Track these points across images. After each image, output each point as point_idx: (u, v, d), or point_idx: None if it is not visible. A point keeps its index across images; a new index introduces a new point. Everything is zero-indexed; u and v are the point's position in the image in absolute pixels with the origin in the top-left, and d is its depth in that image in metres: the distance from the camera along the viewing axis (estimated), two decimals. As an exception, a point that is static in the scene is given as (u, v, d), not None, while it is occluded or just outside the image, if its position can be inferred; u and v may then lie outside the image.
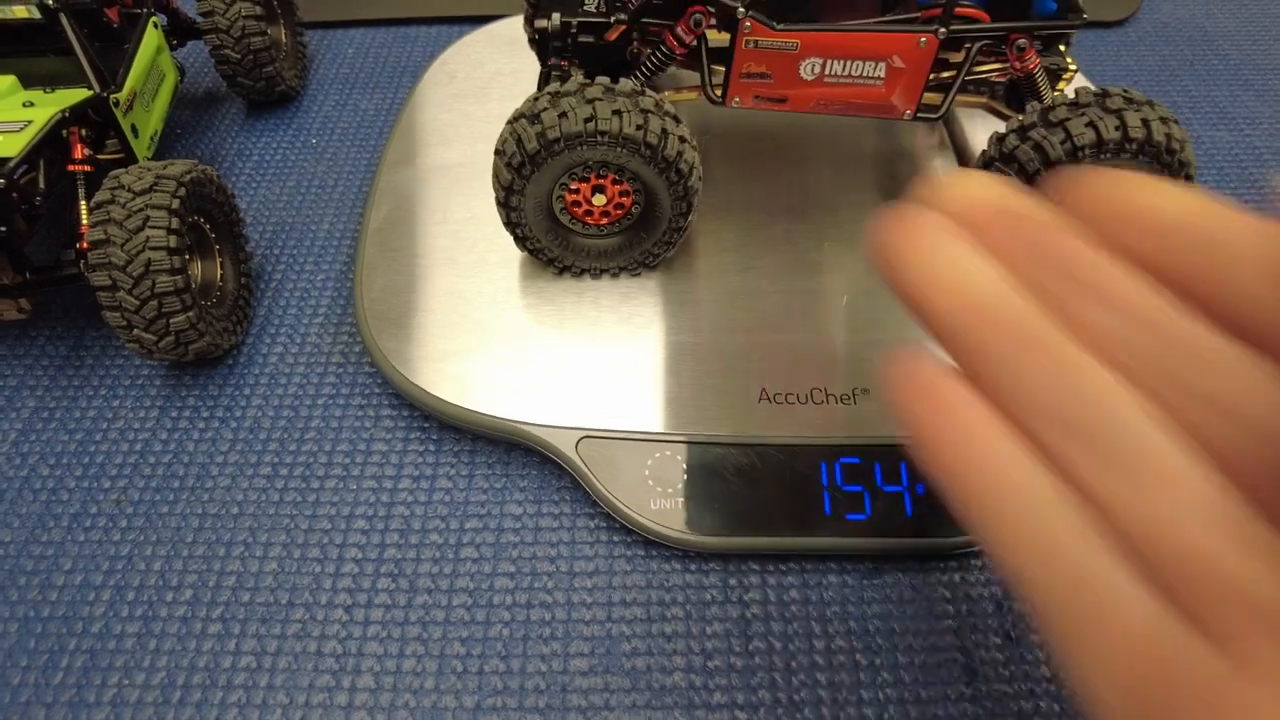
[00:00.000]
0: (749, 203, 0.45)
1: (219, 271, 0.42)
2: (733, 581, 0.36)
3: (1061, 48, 0.43)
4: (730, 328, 0.40)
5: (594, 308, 0.41)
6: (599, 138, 0.35)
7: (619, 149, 0.36)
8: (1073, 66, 0.42)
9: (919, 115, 0.40)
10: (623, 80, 0.37)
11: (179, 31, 0.50)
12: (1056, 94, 0.40)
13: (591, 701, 0.33)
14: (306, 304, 0.45)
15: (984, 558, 0.37)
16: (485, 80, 0.53)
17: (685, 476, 0.36)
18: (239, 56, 0.50)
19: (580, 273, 0.42)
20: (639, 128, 0.35)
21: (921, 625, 0.35)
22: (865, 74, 0.38)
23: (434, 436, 0.40)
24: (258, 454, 0.39)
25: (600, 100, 0.35)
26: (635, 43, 0.41)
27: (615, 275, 0.42)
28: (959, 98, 0.43)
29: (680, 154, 0.36)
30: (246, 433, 0.40)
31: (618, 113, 0.35)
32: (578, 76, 0.37)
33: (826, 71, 0.38)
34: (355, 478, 0.39)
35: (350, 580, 0.36)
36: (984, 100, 0.43)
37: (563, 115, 0.35)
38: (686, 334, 0.40)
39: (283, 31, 0.54)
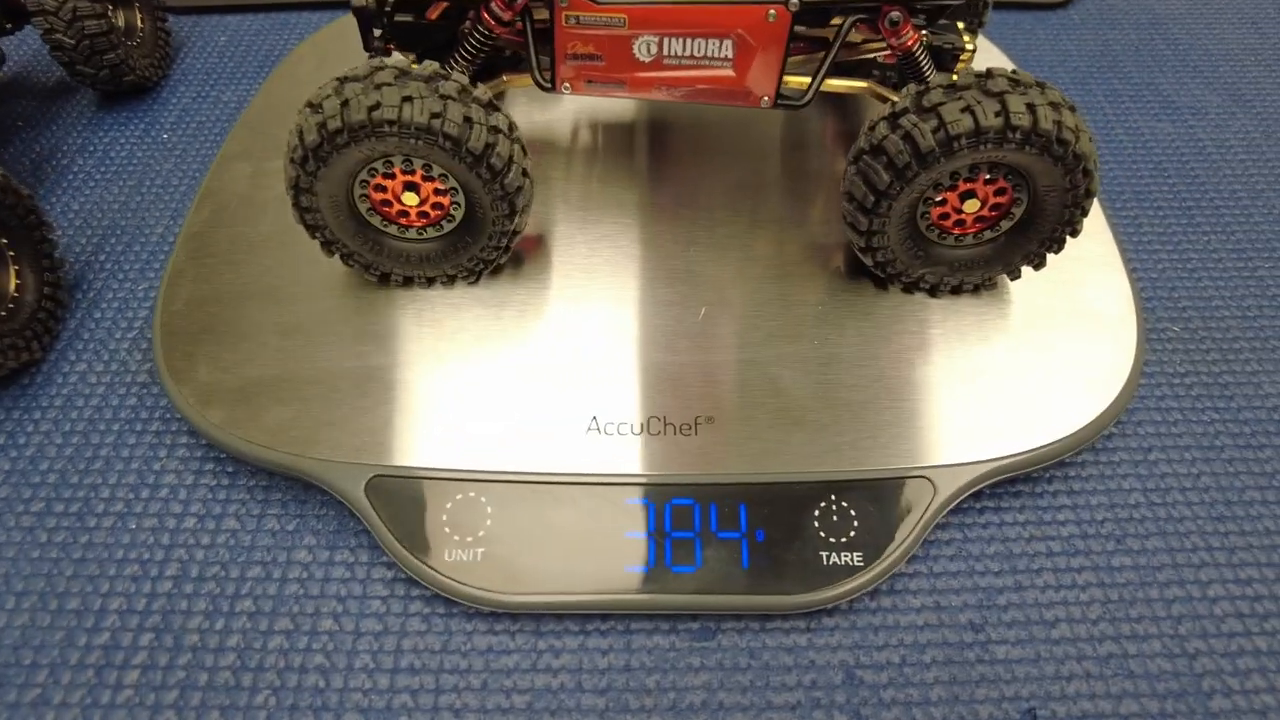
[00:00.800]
0: (612, 202, 0.40)
1: (13, 282, 0.38)
2: (541, 645, 0.31)
3: (961, 25, 0.37)
4: (568, 346, 0.35)
5: (414, 322, 0.36)
6: (386, 128, 0.30)
7: (414, 141, 0.31)
8: (970, 46, 0.36)
9: (780, 103, 0.35)
10: (427, 63, 0.32)
11: (8, 12, 0.46)
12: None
13: (353, 789, 0.28)
14: (122, 317, 0.40)
15: (834, 617, 0.31)
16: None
17: (489, 522, 0.31)
18: (73, 42, 0.45)
19: (406, 282, 0.37)
20: (435, 116, 0.30)
21: (757, 699, 0.30)
22: (710, 54, 0.33)
23: (228, 469, 0.35)
24: (32, 487, 0.35)
25: (389, 86, 0.30)
26: (469, 22, 0.36)
27: (447, 284, 0.37)
28: (841, 84, 0.38)
29: (490, 147, 0.31)
30: (26, 463, 0.36)
31: (408, 99, 0.30)
32: (388, 60, 0.32)
33: (665, 51, 0.33)
34: (135, 515, 0.34)
35: (108, 636, 0.31)
36: (866, 85, 0.37)
37: (345, 104, 0.30)
38: (515, 353, 0.35)
39: (138, 16, 0.50)
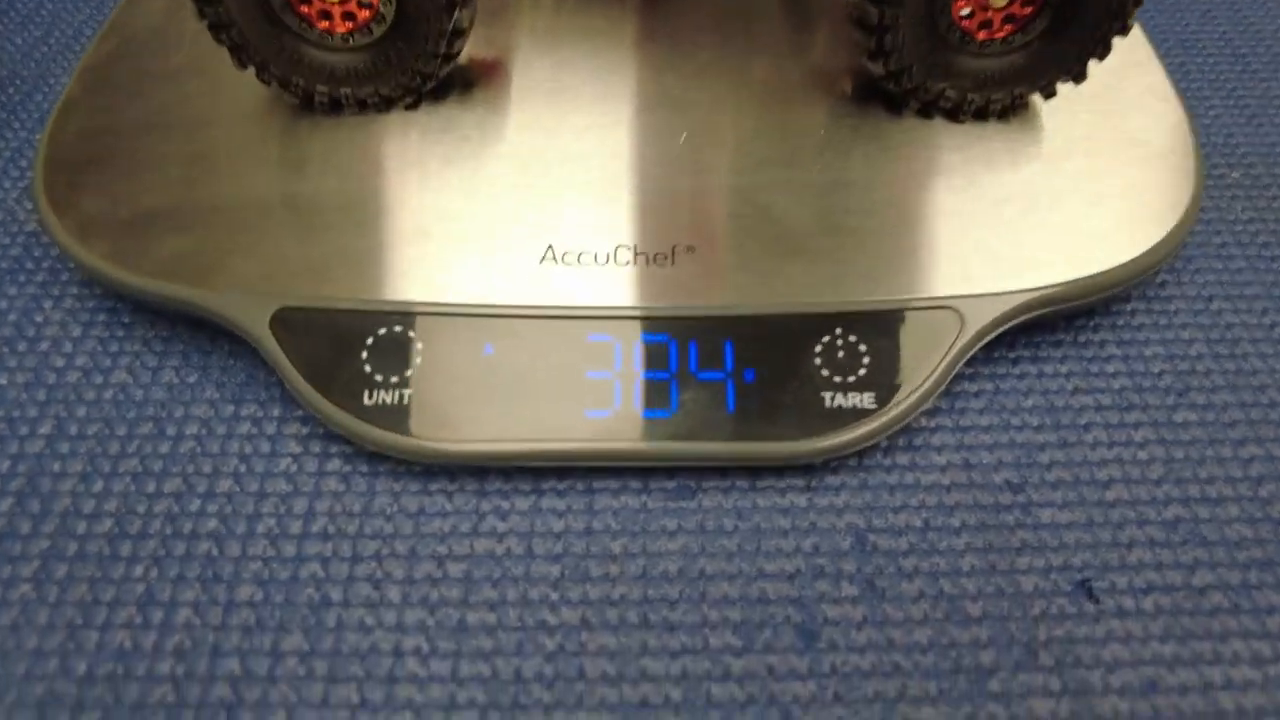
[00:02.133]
0: (581, 27, 0.34)
1: (-121, 115, 0.33)
2: (485, 506, 0.25)
3: None
4: (520, 171, 0.29)
5: (342, 147, 0.30)
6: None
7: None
8: None
9: None
10: None
11: None
12: None
13: (246, 668, 0.23)
14: (14, 166, 0.35)
15: (840, 474, 0.26)
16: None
17: (419, 359, 0.26)
18: (-30, -127, 0.40)
19: (334, 105, 0.31)
20: None
21: (745, 566, 0.24)
22: None
23: (124, 319, 0.30)
24: (-110, 342, 0.30)
25: None
26: None
27: (380, 107, 0.31)
28: None
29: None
30: (-115, 317, 0.30)
31: None
32: None
33: None
34: (6, 370, 0.29)
35: (-37, 503, 0.26)
36: None
37: None
38: (456, 177, 0.29)
39: None
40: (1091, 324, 0.30)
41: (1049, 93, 0.30)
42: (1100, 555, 0.25)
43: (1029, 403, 0.28)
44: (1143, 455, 0.27)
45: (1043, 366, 0.29)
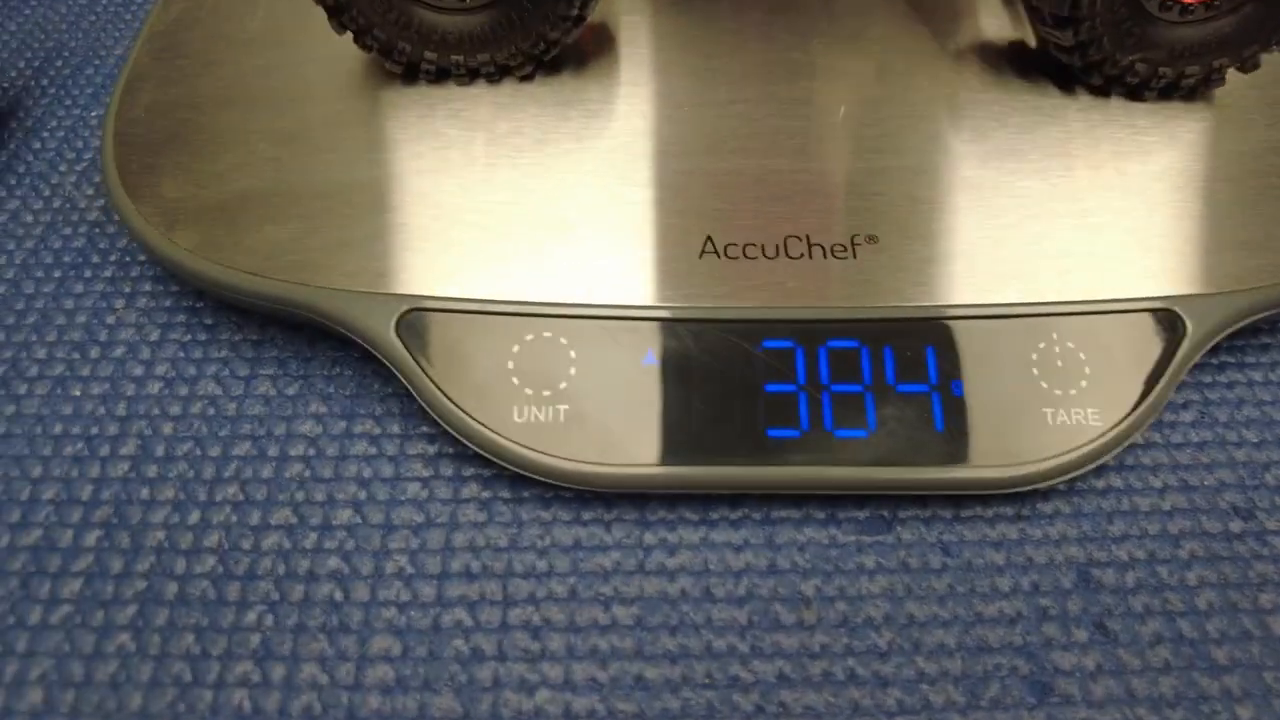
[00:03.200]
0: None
1: (-82, 88, 0.29)
2: (650, 538, 0.22)
3: None
4: (664, 151, 0.26)
5: (455, 124, 0.27)
6: None
7: None
8: None
9: None
10: None
11: None
12: None
13: (391, 740, 0.19)
14: (69, 147, 0.31)
15: (1050, 501, 0.23)
16: None
17: (573, 371, 0.22)
18: None
19: (439, 75, 0.27)
20: None
21: (961, 611, 0.21)
22: None
23: (206, 320, 0.26)
24: (-58, 347, 0.26)
25: None
26: None
27: (493, 78, 0.27)
28: None
29: None
30: (-66, 317, 0.27)
31: None
32: None
33: None
34: (80, 379, 0.25)
35: (39, 535, 0.22)
36: None
37: None
38: (593, 161, 0.26)
39: None
40: (1296, 326, 0.27)
41: (1252, 65, 0.27)
42: (1358, 594, 0.21)
43: (1243, 414, 0.25)
44: (1383, 475, 0.24)
45: (1251, 374, 0.26)
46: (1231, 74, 0.27)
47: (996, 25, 0.30)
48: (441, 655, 0.20)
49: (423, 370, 0.22)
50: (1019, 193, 0.25)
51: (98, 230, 0.29)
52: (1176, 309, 0.23)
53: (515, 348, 0.22)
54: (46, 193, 0.30)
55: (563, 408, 0.22)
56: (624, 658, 0.20)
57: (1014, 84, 0.28)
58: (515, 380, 0.22)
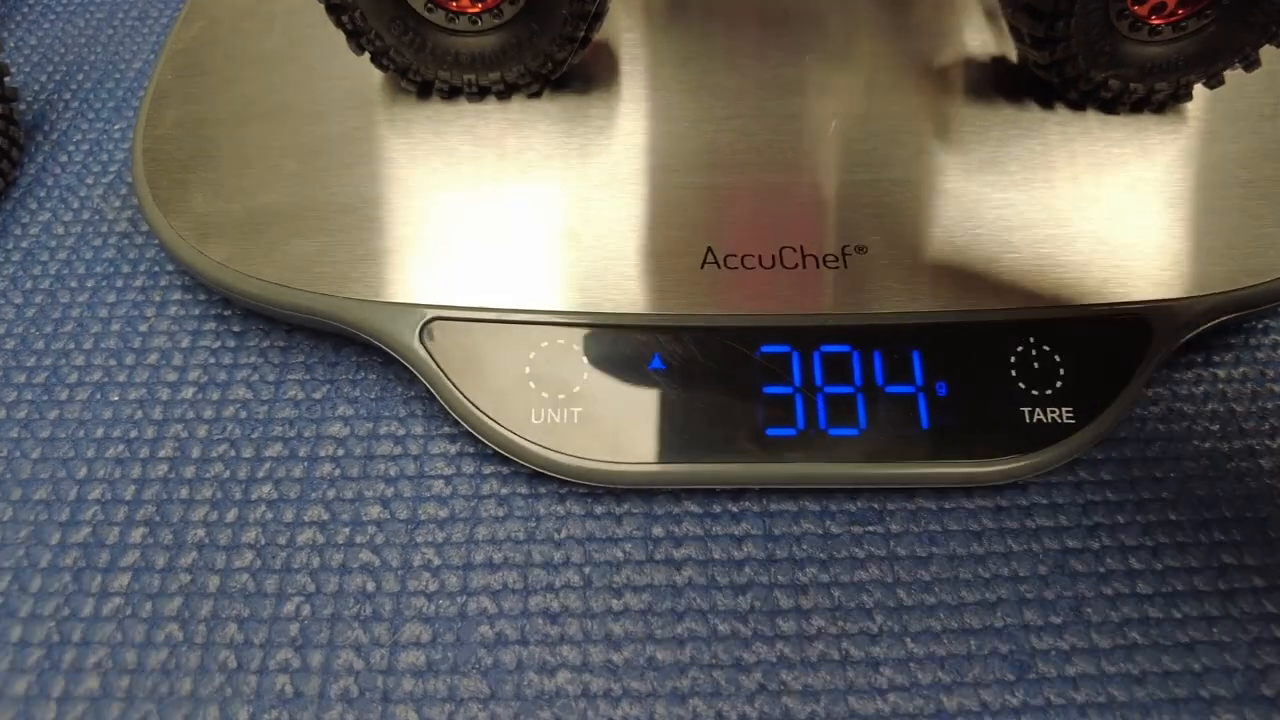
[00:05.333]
0: (699, 5, 0.32)
1: (-50, 108, 0.30)
2: (658, 530, 0.24)
3: None
4: (665, 166, 0.27)
5: (467, 140, 0.28)
6: None
7: None
8: None
9: None
10: None
11: None
12: None
13: (424, 718, 0.21)
14: (95, 160, 0.32)
15: (1028, 494, 0.24)
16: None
17: (586, 375, 0.24)
18: None
19: (452, 93, 0.29)
20: None
21: (945, 596, 0.23)
22: None
23: (234, 328, 0.28)
24: (-17, 355, 0.27)
25: None
26: None
27: (503, 95, 0.29)
28: None
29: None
30: (-26, 326, 0.28)
31: None
32: None
33: None
34: (118, 385, 0.26)
35: (88, 532, 0.24)
36: None
37: None
38: (601, 174, 0.27)
39: None
40: (1260, 325, 0.29)
41: (1216, 81, 0.29)
42: (1310, 576, 0.23)
43: (1209, 409, 0.26)
44: (1337, 467, 0.25)
45: (1216, 371, 0.27)
46: (1200, 89, 0.29)
47: (980, 42, 0.31)
48: (468, 640, 0.22)
49: (445, 375, 0.23)
50: (999, 204, 0.27)
51: (126, 241, 0.30)
52: (1145, 313, 0.25)
53: (531, 354, 0.24)
54: (75, 205, 0.31)
55: (576, 410, 0.23)
56: (636, 641, 0.22)
57: (996, 99, 0.30)
58: (532, 384, 0.24)
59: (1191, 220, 0.27)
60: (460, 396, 0.23)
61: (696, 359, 0.24)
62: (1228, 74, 0.28)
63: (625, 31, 0.32)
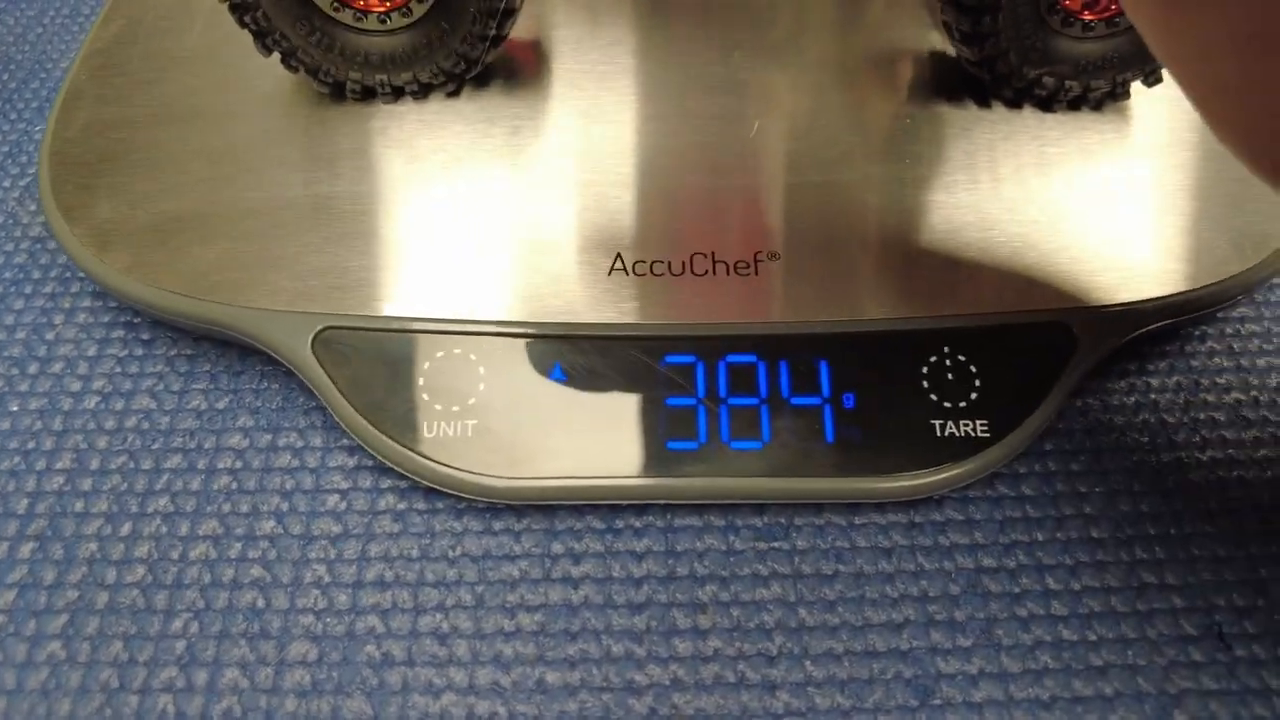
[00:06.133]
0: (626, 2, 0.31)
1: None
2: (556, 547, 0.23)
3: None
4: (580, 167, 0.27)
5: (378, 142, 0.27)
6: None
7: None
8: None
9: None
10: None
11: None
12: None
13: (301, 742, 0.20)
14: (13, 163, 0.32)
15: (943, 509, 0.24)
16: None
17: (483, 386, 0.23)
18: None
19: (366, 94, 0.28)
20: None
21: (850, 616, 0.22)
22: None
23: (143, 336, 0.27)
24: (-115, 363, 0.27)
25: None
26: None
27: (418, 95, 0.28)
28: None
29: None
30: (-121, 334, 0.27)
31: None
32: None
33: None
34: (18, 395, 0.26)
35: (-24, 547, 0.23)
36: None
37: None
38: (511, 178, 0.27)
39: None
40: (1197, 332, 0.28)
41: (1155, 79, 0.28)
42: (1232, 596, 0.22)
43: (1140, 419, 0.26)
44: (1270, 474, 0.25)
45: (1149, 379, 0.27)
46: (1138, 87, 0.28)
47: (918, 39, 0.30)
48: (354, 660, 0.21)
49: (337, 387, 0.23)
50: (925, 207, 0.26)
51: (39, 246, 0.29)
52: (1067, 321, 0.24)
53: (426, 364, 0.23)
54: (-9, 208, 0.30)
55: (471, 422, 0.23)
56: (526, 663, 0.21)
57: (932, 97, 0.29)
58: (426, 396, 0.23)
59: (1121, 225, 0.26)
60: (351, 409, 0.23)
61: (598, 369, 0.23)
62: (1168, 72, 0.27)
63: (555, 29, 0.31)
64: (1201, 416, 0.26)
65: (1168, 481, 0.24)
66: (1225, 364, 0.27)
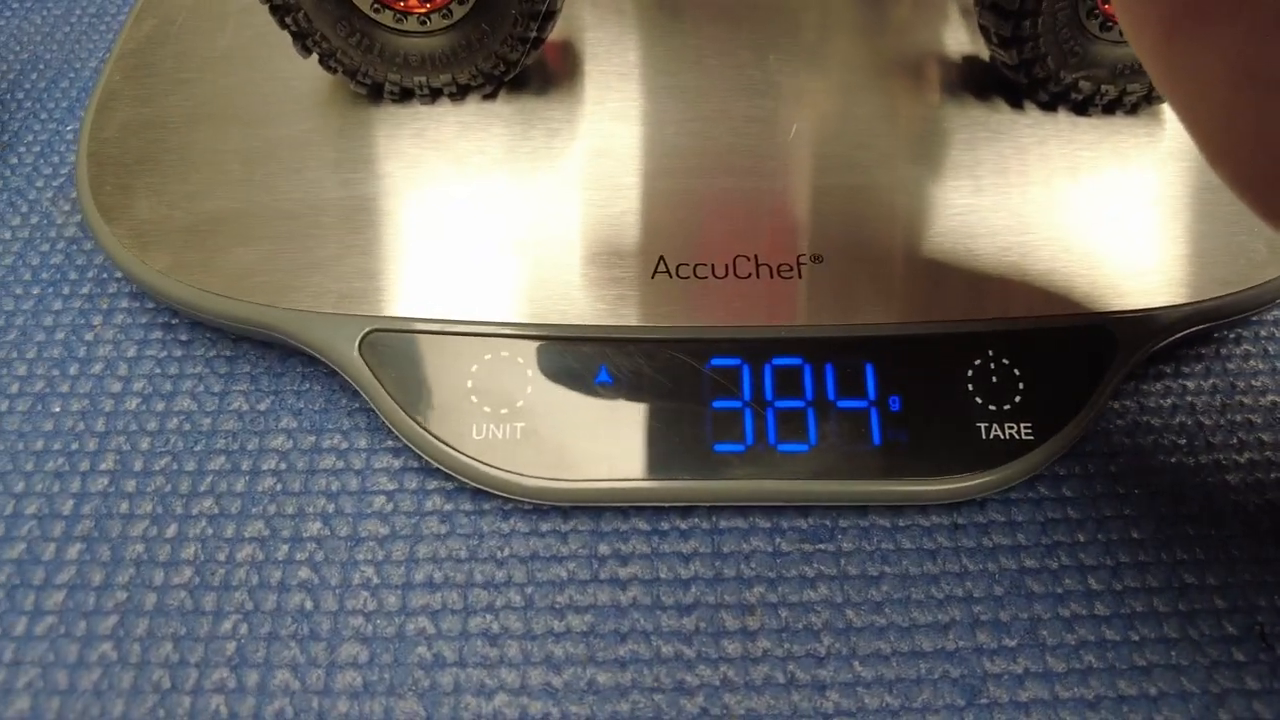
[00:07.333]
0: (660, 2, 0.31)
1: (-104, 107, 0.29)
2: (604, 549, 0.23)
3: None
4: (620, 170, 0.27)
5: (417, 143, 0.27)
6: None
7: None
8: None
9: None
10: None
11: None
12: None
13: (356, 743, 0.20)
14: (45, 162, 0.32)
15: (986, 511, 0.24)
16: None
17: (530, 389, 0.23)
18: None
19: (404, 95, 0.28)
20: None
21: (896, 617, 0.22)
22: None
23: (181, 337, 0.27)
24: (-76, 364, 0.27)
25: None
26: None
27: (456, 97, 0.28)
28: None
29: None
30: (-84, 335, 0.27)
31: None
32: None
33: None
34: (59, 396, 0.26)
35: (23, 549, 0.23)
36: None
37: None
38: (552, 180, 0.27)
39: None
40: (1232, 335, 0.28)
41: (1191, 81, 0.28)
42: (1273, 597, 0.23)
43: (1176, 422, 0.26)
44: (1306, 482, 0.25)
45: (1185, 382, 0.27)
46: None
47: (954, 42, 0.30)
48: (405, 661, 0.22)
49: (384, 389, 0.23)
50: (963, 210, 0.26)
51: (74, 246, 0.29)
52: (1108, 325, 0.24)
53: (474, 366, 0.23)
54: (24, 208, 0.30)
55: (519, 425, 0.23)
56: (577, 664, 0.21)
57: (966, 100, 0.29)
58: (474, 398, 0.23)
59: (1161, 227, 0.26)
60: (399, 411, 0.23)
61: (645, 372, 0.23)
62: (1201, 75, 0.28)
63: (588, 30, 0.31)
64: (1238, 419, 0.26)
65: (1206, 483, 0.24)
66: (1260, 366, 0.27)
